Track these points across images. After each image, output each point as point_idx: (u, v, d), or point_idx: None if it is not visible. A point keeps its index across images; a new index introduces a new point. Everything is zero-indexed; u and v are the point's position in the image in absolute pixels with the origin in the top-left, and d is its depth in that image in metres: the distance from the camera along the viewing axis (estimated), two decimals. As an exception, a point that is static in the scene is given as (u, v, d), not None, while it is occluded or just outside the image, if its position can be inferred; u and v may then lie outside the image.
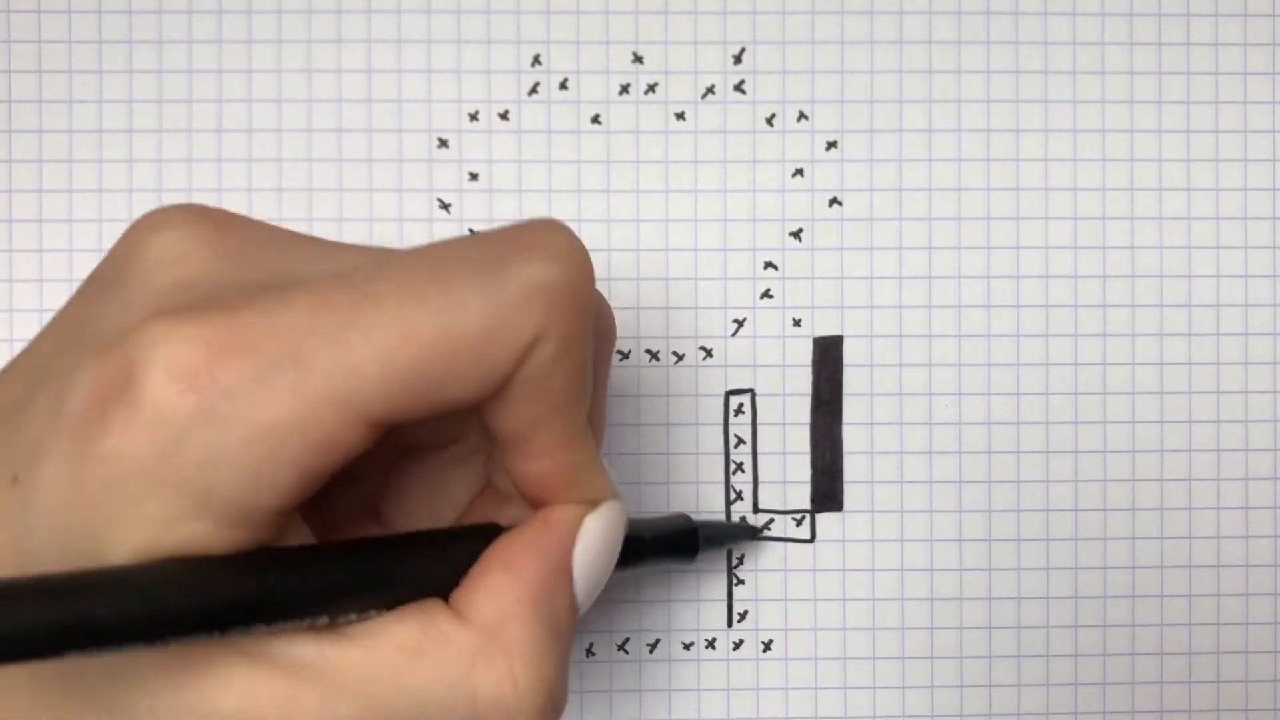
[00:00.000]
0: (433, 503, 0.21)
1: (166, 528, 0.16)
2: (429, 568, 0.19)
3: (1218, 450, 0.29)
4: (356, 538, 0.19)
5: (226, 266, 0.17)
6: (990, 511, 0.29)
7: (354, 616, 0.18)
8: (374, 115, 0.29)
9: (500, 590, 0.18)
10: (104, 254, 0.19)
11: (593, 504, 0.20)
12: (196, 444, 0.16)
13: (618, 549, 0.20)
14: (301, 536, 0.18)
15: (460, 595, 0.18)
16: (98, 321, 0.17)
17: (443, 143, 0.29)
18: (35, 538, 0.16)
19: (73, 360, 0.17)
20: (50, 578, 0.15)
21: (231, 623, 0.16)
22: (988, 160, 0.29)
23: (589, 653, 0.29)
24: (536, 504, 0.20)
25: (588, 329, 0.18)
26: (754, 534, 0.29)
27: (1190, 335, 0.29)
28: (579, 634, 0.29)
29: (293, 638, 0.17)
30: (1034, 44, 0.29)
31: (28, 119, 0.28)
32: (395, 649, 0.17)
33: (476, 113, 0.29)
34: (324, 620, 0.17)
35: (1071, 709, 0.29)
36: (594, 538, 0.19)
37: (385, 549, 0.19)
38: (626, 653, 0.29)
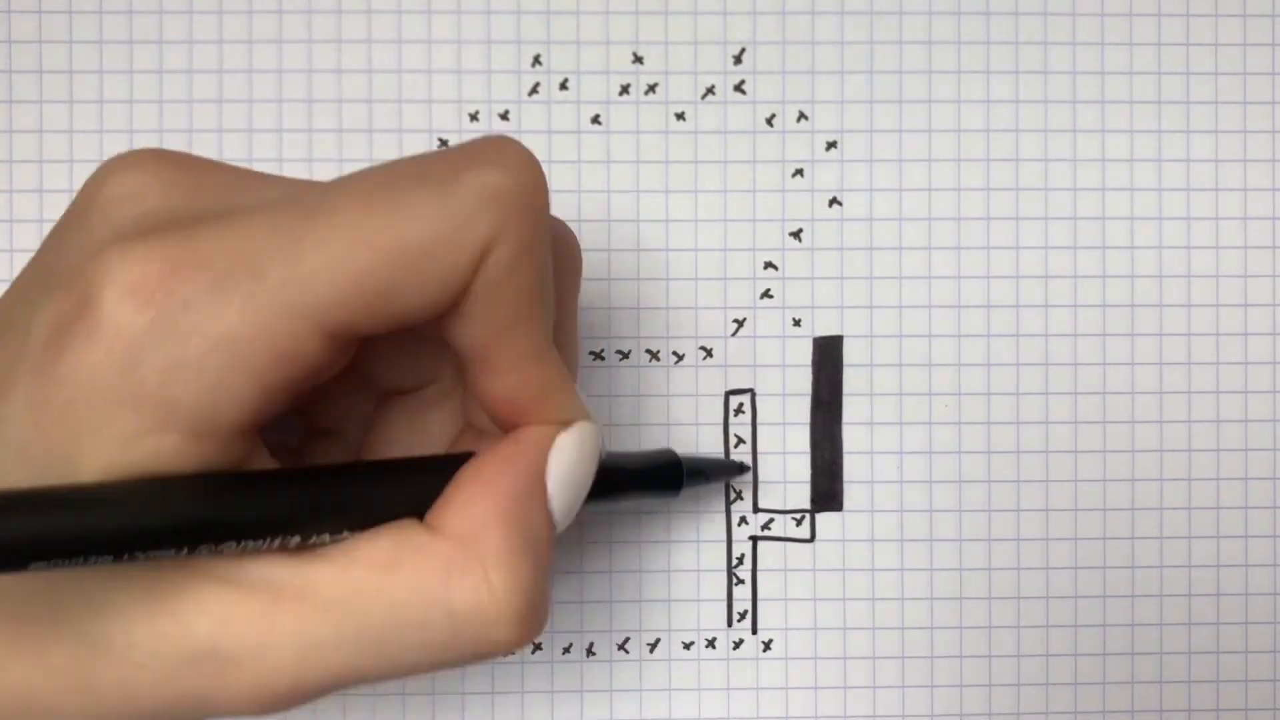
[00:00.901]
0: (413, 449, 0.22)
1: (131, 444, 0.16)
2: (403, 490, 0.19)
3: (1217, 450, 0.29)
4: (331, 463, 0.19)
5: (183, 200, 0.18)
6: (990, 511, 0.29)
7: (327, 538, 0.18)
8: (374, 115, 0.29)
9: (473, 503, 0.18)
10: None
11: (565, 424, 0.20)
12: (156, 357, 0.16)
13: (593, 468, 0.20)
14: (268, 465, 0.18)
15: (434, 512, 0.18)
16: (60, 260, 0.18)
17: (443, 143, 0.29)
18: (7, 472, 0.16)
19: (37, 299, 0.17)
20: (15, 492, 0.15)
21: (200, 539, 0.16)
22: (988, 160, 0.29)
23: (589, 653, 0.29)
24: (509, 428, 0.20)
25: (543, 238, 0.18)
26: (740, 469, 0.28)
27: (1190, 335, 0.29)
28: (579, 633, 0.29)
29: (266, 560, 0.17)
30: (1034, 44, 0.29)
31: (28, 119, 0.28)
32: (369, 566, 0.17)
33: (476, 113, 0.29)
34: (295, 540, 0.17)
35: (1071, 708, 0.29)
36: (567, 454, 0.19)
37: (359, 473, 0.19)
38: (626, 652, 0.29)
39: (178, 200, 0.18)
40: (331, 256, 0.16)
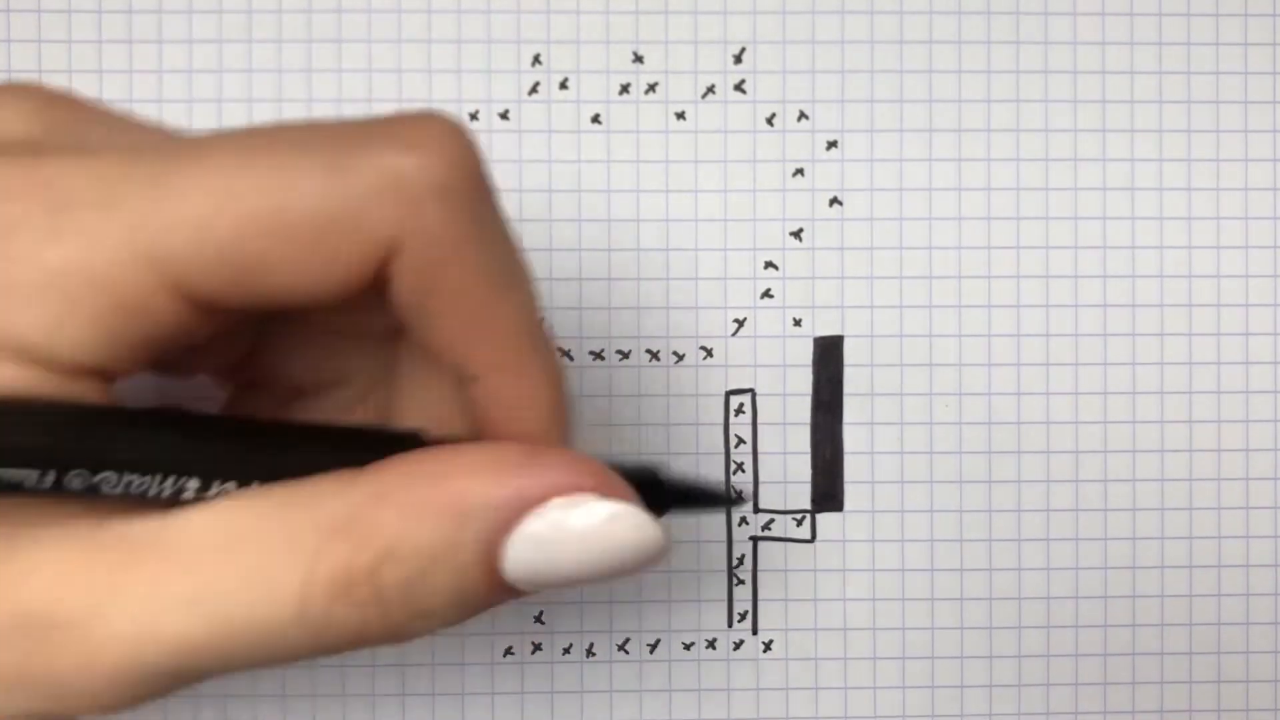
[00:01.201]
0: None
1: None
2: (330, 456, 0.16)
3: (1218, 450, 0.29)
4: (239, 415, 0.17)
5: (45, 132, 0.16)
6: (990, 511, 0.29)
7: (233, 486, 0.16)
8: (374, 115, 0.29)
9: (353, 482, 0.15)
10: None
11: (595, 490, 0.16)
12: None
13: (588, 554, 0.16)
14: None
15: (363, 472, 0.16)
16: None
17: (443, 143, 0.29)
18: None
19: None
20: None
21: (70, 462, 0.15)
22: (988, 160, 0.29)
23: (589, 653, 0.29)
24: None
25: (482, 225, 0.16)
26: (738, 500, 0.25)
27: (1190, 335, 0.29)
28: (579, 634, 0.29)
29: (139, 514, 0.15)
30: (1034, 44, 0.29)
31: (28, 119, 0.28)
32: (249, 511, 0.15)
33: (476, 113, 0.29)
34: (194, 485, 0.15)
35: (1072, 709, 0.29)
36: (532, 536, 0.16)
37: (269, 427, 0.17)
38: (626, 653, 0.29)
39: (38, 131, 0.16)
40: (192, 211, 0.15)
